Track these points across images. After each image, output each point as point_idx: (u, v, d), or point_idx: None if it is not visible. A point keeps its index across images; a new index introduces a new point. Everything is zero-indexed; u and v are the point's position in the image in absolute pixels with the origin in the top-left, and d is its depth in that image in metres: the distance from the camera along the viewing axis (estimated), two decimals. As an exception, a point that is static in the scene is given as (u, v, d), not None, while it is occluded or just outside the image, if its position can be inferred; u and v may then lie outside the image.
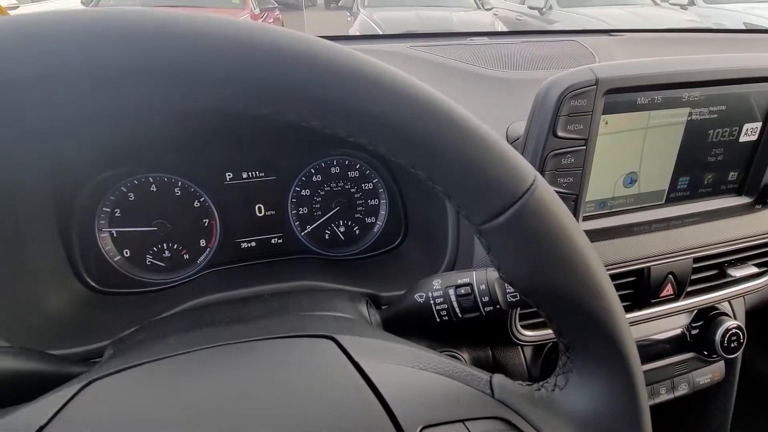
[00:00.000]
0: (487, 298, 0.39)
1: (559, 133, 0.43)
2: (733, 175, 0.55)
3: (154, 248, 0.60)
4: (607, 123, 0.46)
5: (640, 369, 0.25)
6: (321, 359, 0.28)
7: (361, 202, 0.66)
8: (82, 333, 0.47)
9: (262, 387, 0.26)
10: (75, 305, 0.52)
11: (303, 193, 0.64)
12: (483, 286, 0.39)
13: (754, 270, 0.58)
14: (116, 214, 0.58)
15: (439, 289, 0.41)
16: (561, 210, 0.23)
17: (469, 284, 0.40)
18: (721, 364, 0.65)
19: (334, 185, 0.65)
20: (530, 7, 4.95)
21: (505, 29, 4.00)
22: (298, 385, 0.26)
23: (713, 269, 0.58)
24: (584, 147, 0.45)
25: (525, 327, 0.52)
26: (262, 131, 0.59)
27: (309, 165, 0.64)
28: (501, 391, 0.27)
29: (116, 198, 0.57)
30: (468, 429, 0.24)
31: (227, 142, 0.60)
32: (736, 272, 0.57)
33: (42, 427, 0.23)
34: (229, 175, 0.61)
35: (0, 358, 0.32)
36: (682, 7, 4.71)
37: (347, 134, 0.20)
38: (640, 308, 0.55)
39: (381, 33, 3.51)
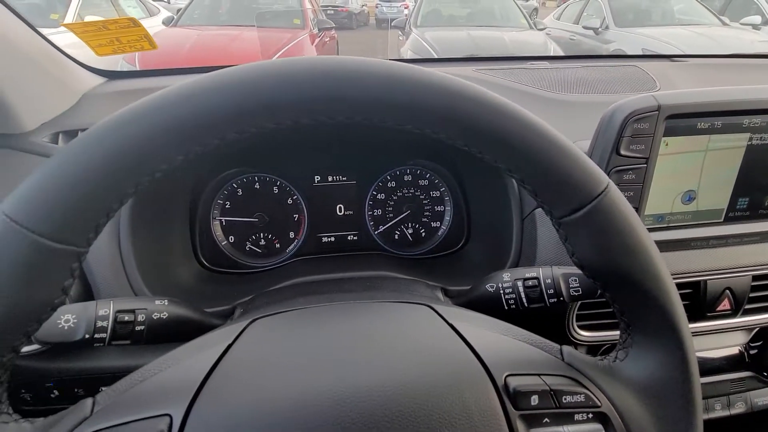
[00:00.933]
0: (552, 291, 0.45)
1: (622, 152, 0.49)
2: (795, 199, 0.57)
3: (253, 236, 0.70)
4: (667, 144, 0.51)
5: (692, 344, 0.30)
6: (421, 319, 0.36)
7: (428, 207, 0.74)
8: (204, 299, 0.57)
9: (377, 334, 0.34)
10: (195, 279, 0.64)
11: (378, 196, 0.73)
12: (549, 280, 0.45)
13: (819, 294, 0.59)
14: (226, 206, 0.69)
15: (508, 281, 0.47)
16: (629, 210, 0.29)
17: (536, 278, 0.46)
18: (783, 386, 0.65)
19: (406, 191, 0.73)
20: (585, 27, 4.88)
21: (558, 50, 3.96)
22: (406, 334, 0.34)
23: (774, 289, 0.59)
24: (645, 165, 0.50)
25: (582, 327, 0.57)
26: (348, 142, 0.69)
27: (385, 172, 0.73)
28: (570, 357, 0.33)
29: (228, 192, 0.69)
30: (544, 381, 0.30)
31: (319, 150, 0.70)
32: (799, 293, 0.58)
33: (230, 345, 0.32)
34: (318, 178, 0.71)
35: (176, 307, 0.42)
36: (755, 27, 4.45)
37: (465, 145, 0.28)
38: (696, 320, 0.58)
39: (434, 52, 3.62)
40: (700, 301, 0.56)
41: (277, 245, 0.71)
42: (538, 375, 0.31)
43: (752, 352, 0.63)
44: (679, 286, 0.56)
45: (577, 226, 0.29)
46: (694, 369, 0.30)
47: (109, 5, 4.28)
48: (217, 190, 0.68)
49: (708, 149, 0.52)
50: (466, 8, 5.05)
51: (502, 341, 0.34)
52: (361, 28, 11.11)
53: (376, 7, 11.54)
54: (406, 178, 0.73)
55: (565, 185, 0.28)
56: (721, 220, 0.56)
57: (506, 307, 0.47)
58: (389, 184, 0.73)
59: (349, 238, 0.74)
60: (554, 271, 0.46)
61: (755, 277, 0.57)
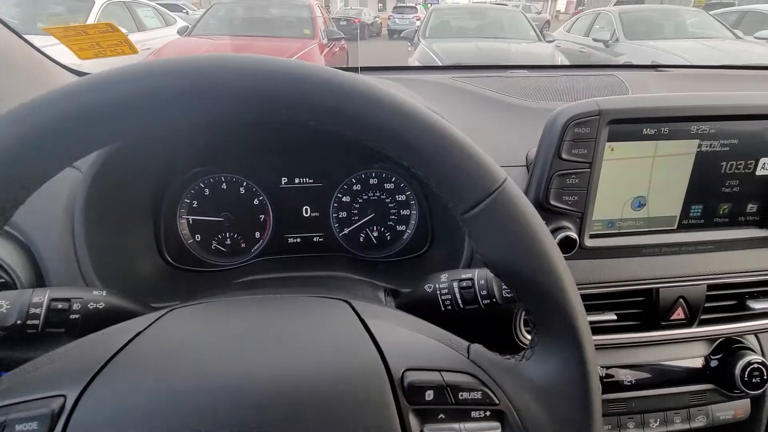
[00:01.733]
0: (485, 292, 0.45)
1: (564, 156, 0.49)
2: (752, 207, 0.56)
3: (219, 236, 0.72)
4: (613, 149, 0.51)
5: (590, 342, 0.30)
6: (335, 313, 0.36)
7: (394, 211, 0.75)
8: (160, 294, 0.59)
9: (285, 327, 0.34)
10: (156, 275, 0.66)
11: (344, 199, 0.74)
12: (482, 282, 0.45)
13: (779, 305, 0.58)
14: (193, 205, 0.71)
15: (445, 282, 0.47)
16: (527, 206, 0.29)
17: (471, 279, 0.46)
18: (747, 401, 0.63)
19: (372, 194, 0.74)
20: (595, 40, 4.87)
21: (566, 61, 3.95)
22: (314, 327, 0.34)
23: (731, 299, 0.58)
24: (588, 170, 0.50)
25: (530, 332, 0.56)
26: (315, 145, 0.71)
27: (351, 175, 0.74)
28: (475, 355, 0.33)
29: (195, 191, 0.71)
30: (442, 377, 0.31)
31: (285, 152, 0.72)
32: (757, 305, 0.57)
33: (140, 332, 0.33)
34: (284, 180, 0.73)
35: (114, 297, 0.44)
36: (768, 40, 4.38)
37: (369, 141, 0.29)
38: (649, 329, 0.57)
39: (439, 62, 3.66)
40: (653, 309, 0.55)
41: (243, 245, 0.73)
42: (438, 371, 0.31)
43: (713, 364, 0.61)
44: (631, 293, 0.56)
45: (476, 222, 0.29)
46: (593, 369, 0.30)
47: (127, 15, 4.44)
48: (183, 188, 0.70)
49: (656, 155, 0.52)
50: (475, 21, 5.09)
51: (409, 337, 0.34)
52: (373, 38, 11.28)
53: (389, 19, 11.73)
54: (371, 181, 0.74)
55: (463, 181, 0.29)
56: (674, 228, 0.56)
57: (443, 308, 0.47)
58: (354, 187, 0.74)
59: (314, 239, 0.75)
60: (489, 273, 0.46)
61: (710, 287, 0.56)
